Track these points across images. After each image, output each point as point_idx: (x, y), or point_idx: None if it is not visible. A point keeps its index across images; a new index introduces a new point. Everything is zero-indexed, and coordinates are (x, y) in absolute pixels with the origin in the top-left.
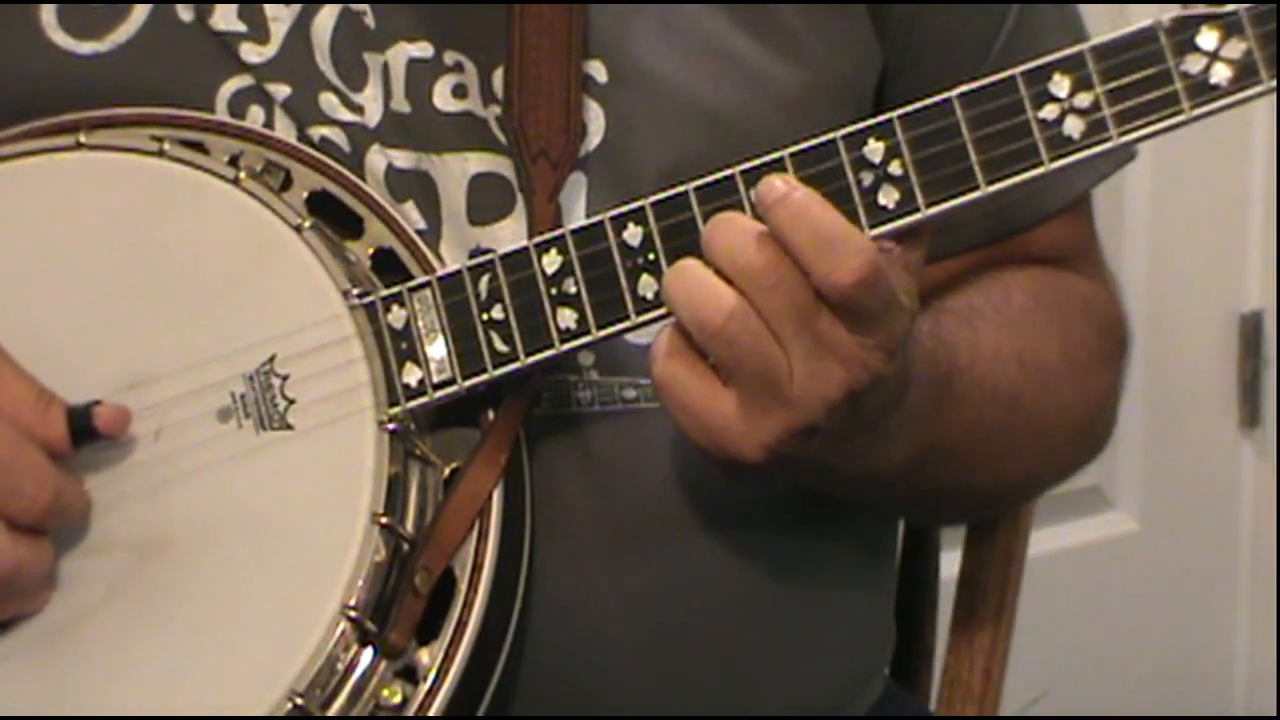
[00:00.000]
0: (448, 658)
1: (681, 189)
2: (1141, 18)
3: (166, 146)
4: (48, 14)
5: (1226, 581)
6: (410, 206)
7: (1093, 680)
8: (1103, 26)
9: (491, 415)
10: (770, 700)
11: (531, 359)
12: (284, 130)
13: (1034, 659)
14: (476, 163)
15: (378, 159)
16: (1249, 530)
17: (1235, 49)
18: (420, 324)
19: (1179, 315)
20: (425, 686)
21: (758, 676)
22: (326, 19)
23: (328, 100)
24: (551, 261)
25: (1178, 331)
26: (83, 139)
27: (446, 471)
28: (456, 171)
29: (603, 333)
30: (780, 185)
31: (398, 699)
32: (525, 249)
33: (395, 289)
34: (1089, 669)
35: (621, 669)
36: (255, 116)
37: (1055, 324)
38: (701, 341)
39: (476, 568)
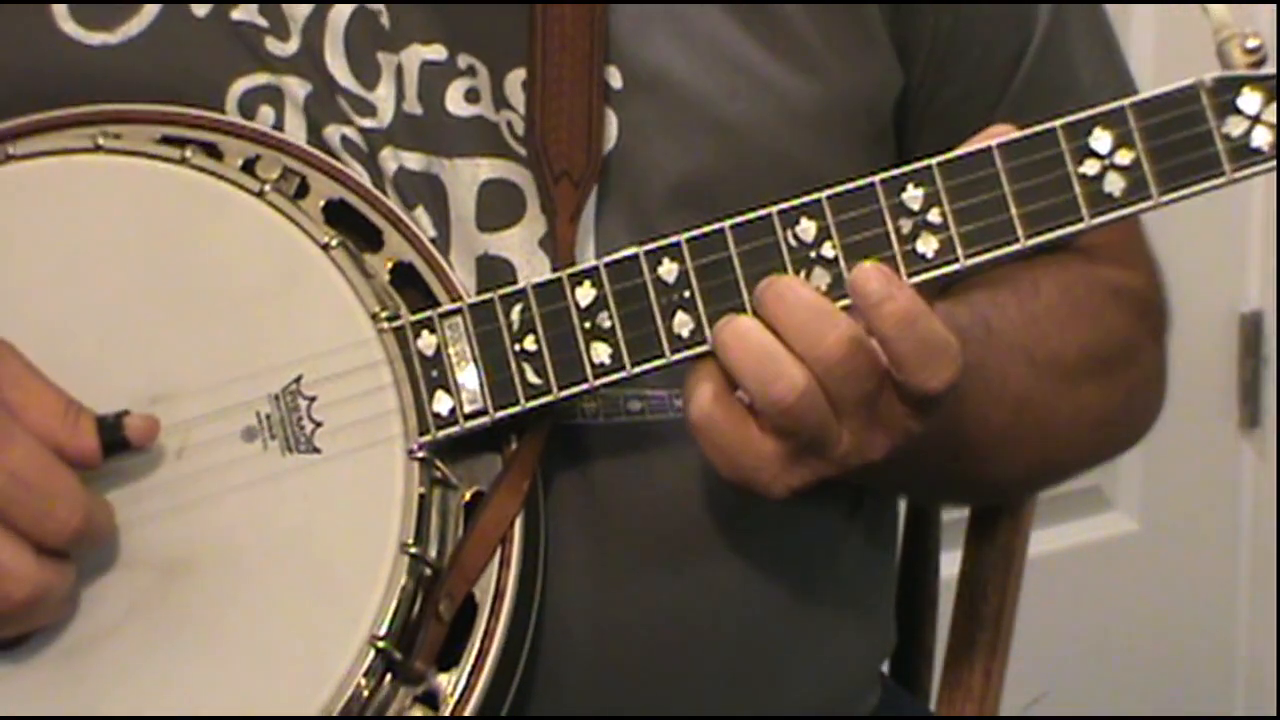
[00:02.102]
0: (469, 685)
1: (717, 226)
2: (1143, 19)
3: (189, 154)
4: (59, 5)
5: (1226, 581)
6: (420, 211)
7: (1093, 680)
8: None
9: (514, 442)
10: (772, 705)
11: (565, 393)
12: (296, 130)
13: (1034, 659)
14: (488, 169)
15: (389, 160)
16: (1249, 530)
17: (1276, 113)
18: (451, 352)
19: (1179, 315)
20: (446, 712)
21: (761, 682)
22: (341, 16)
23: (341, 101)
24: (585, 294)
25: (1178, 331)
26: (101, 141)
27: (467, 495)
28: (467, 176)
29: (636, 369)
30: (879, 284)
31: None
32: (558, 280)
33: (425, 314)
34: (1089, 669)
35: (625, 675)
36: (265, 116)
37: (1082, 318)
38: (763, 410)
39: (498, 595)
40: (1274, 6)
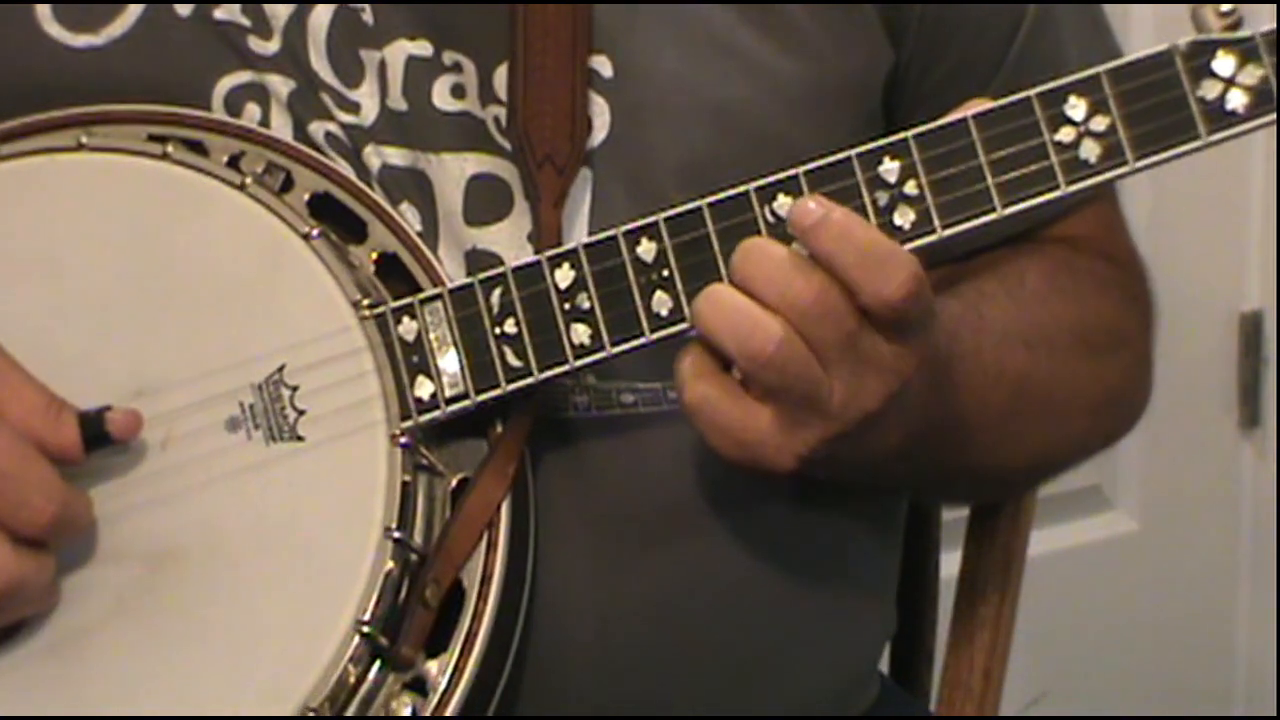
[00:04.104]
0: (458, 669)
1: (695, 205)
2: (1144, 19)
3: (170, 149)
4: (43, 6)
5: (1226, 581)
6: (406, 206)
7: (1093, 680)
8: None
9: (499, 427)
10: (770, 701)
11: (545, 374)
12: (282, 127)
13: (1034, 659)
14: (475, 163)
15: (373, 157)
16: (1249, 530)
17: (1252, 75)
18: (432, 337)
19: (1179, 315)
20: (435, 698)
21: (758, 678)
22: (322, 15)
23: (324, 98)
24: (564, 276)
25: (1178, 331)
26: (84, 139)
27: (454, 482)
28: (455, 172)
29: (616, 349)
30: (815, 208)
31: (407, 711)
32: (537, 262)
33: (406, 300)
34: (1089, 669)
35: (621, 672)
36: (251, 114)
37: (1069, 306)
38: (748, 369)
39: (486, 579)
40: (1274, 7)
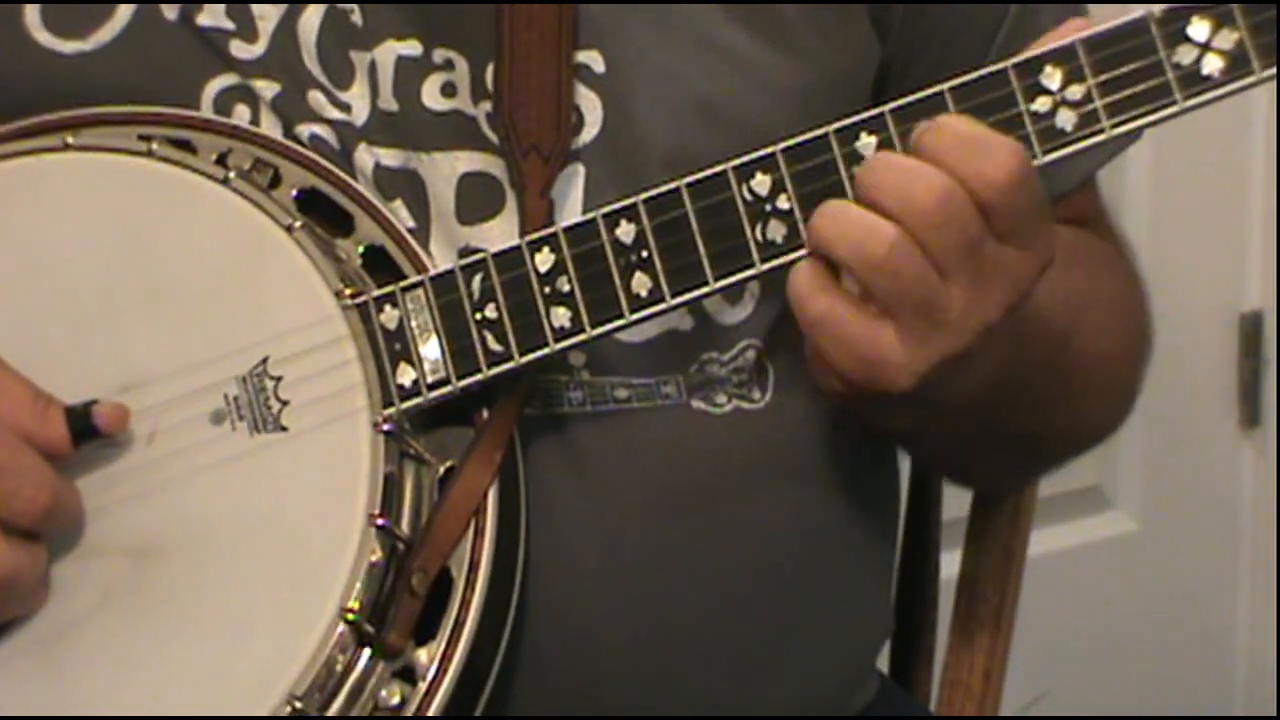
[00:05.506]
0: (446, 657)
1: (673, 185)
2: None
3: (155, 146)
4: (31, 13)
5: (1226, 581)
6: (399, 205)
7: (1093, 680)
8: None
9: (485, 413)
10: (766, 698)
11: (526, 358)
12: (270, 128)
13: (1034, 659)
14: (466, 162)
15: (365, 157)
16: (1249, 530)
17: (1227, 39)
18: (413, 324)
19: (1179, 315)
20: (424, 686)
21: (753, 675)
22: (312, 17)
23: (316, 98)
24: (544, 260)
25: (1178, 331)
26: (70, 139)
27: (441, 470)
28: (446, 170)
29: (596, 331)
30: (925, 121)
31: (396, 699)
32: (518, 247)
33: (388, 289)
34: (1089, 669)
35: (615, 668)
36: (241, 115)
37: (1086, 276)
38: (862, 274)
39: (473, 566)
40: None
